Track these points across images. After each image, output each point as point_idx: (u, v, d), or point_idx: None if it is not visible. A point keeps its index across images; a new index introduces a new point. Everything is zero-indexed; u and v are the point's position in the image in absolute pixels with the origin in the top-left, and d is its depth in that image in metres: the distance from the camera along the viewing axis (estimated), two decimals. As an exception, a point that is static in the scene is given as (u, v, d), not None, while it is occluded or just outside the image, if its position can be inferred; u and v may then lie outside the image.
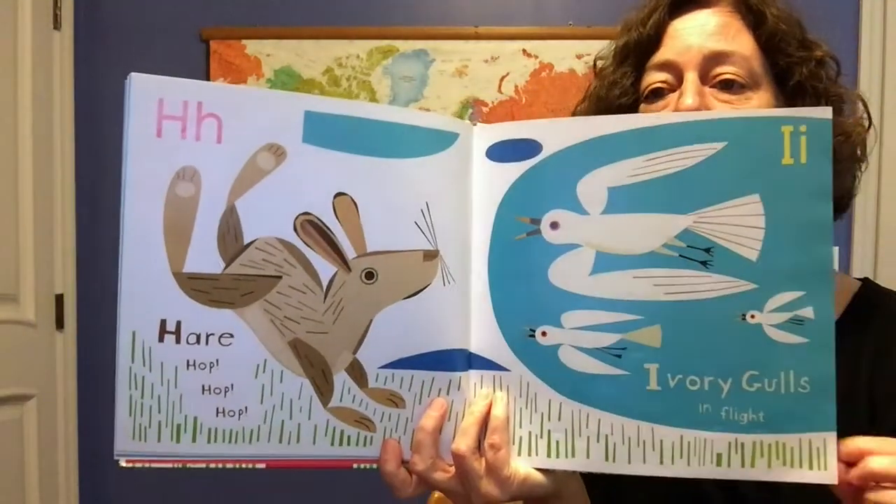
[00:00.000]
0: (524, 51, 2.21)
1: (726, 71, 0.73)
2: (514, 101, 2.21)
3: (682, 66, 0.74)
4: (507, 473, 0.61)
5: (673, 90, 0.76)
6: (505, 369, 0.64)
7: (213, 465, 0.62)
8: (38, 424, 2.03)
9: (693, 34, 0.75)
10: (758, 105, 0.73)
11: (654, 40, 0.77)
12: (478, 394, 0.64)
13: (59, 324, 2.11)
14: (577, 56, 2.19)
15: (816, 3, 0.80)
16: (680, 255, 0.61)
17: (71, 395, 2.15)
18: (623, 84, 0.80)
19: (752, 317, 0.60)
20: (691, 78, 0.73)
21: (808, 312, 0.59)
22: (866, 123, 0.79)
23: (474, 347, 0.65)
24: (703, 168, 0.60)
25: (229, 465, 0.62)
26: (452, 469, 0.63)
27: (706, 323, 0.60)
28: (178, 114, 0.59)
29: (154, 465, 0.61)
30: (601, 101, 0.82)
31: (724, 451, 0.60)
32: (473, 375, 0.65)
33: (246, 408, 0.61)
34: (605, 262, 0.62)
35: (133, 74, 0.59)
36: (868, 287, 0.81)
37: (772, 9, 0.75)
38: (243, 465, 0.62)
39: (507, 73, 2.21)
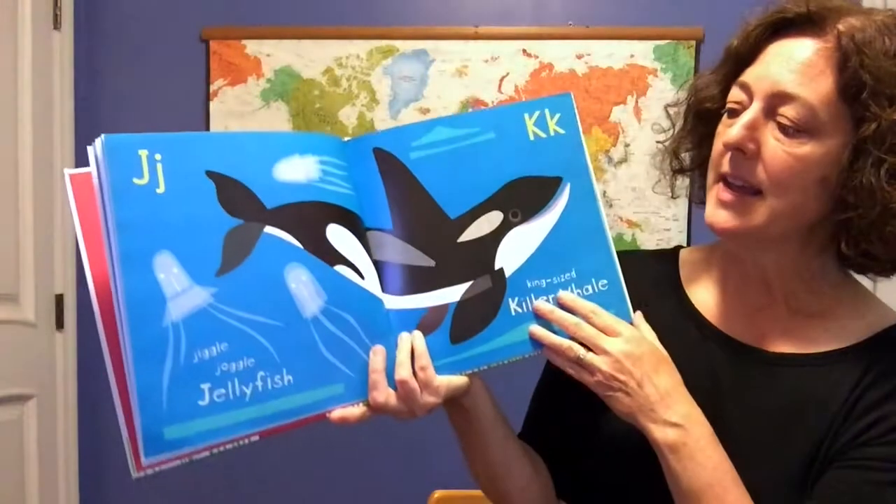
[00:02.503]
0: (524, 51, 2.21)
1: (785, 114, 0.75)
2: (514, 101, 2.21)
3: (754, 93, 0.78)
4: (436, 384, 0.77)
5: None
6: None
7: (215, 451, 0.69)
8: (38, 424, 2.03)
9: (775, 65, 0.77)
10: (808, 152, 0.74)
11: (750, 56, 0.81)
12: (402, 336, 0.78)
13: (59, 324, 2.11)
14: (577, 56, 2.19)
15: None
16: None
17: (71, 395, 2.16)
18: (712, 91, 0.85)
19: None
20: (755, 107, 0.77)
21: None
22: None
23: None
24: None
25: (228, 447, 0.70)
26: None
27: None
28: None
29: (163, 466, 0.70)
30: (693, 92, 0.88)
31: None
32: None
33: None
34: None
35: None
36: None
37: (863, 57, 0.73)
38: (240, 443, 0.70)
39: (507, 73, 2.21)
